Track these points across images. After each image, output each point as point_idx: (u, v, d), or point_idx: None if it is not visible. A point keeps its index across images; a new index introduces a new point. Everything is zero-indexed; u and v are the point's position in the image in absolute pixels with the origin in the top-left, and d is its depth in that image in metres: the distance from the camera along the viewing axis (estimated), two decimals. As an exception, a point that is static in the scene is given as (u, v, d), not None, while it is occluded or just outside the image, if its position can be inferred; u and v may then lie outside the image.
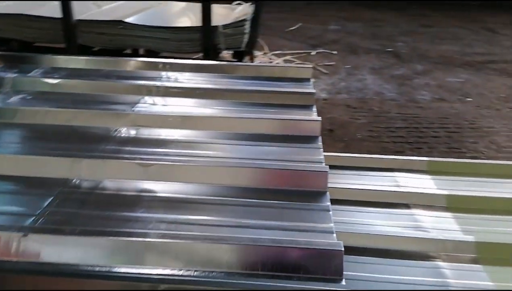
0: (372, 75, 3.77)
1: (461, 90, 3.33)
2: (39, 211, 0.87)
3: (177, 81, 1.62)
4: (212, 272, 0.70)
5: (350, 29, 5.54)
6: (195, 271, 0.70)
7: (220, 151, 1.16)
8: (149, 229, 0.82)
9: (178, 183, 0.97)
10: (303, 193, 0.93)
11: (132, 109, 1.37)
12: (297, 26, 5.65)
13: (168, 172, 0.98)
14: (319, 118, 1.23)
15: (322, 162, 1.06)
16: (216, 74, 1.70)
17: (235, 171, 0.98)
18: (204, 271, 0.70)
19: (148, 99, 1.45)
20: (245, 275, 0.70)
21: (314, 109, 1.38)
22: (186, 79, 1.63)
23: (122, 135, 1.21)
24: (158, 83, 1.55)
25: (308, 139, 1.17)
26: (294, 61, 4.14)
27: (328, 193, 0.93)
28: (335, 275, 0.69)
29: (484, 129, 2.60)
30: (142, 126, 1.24)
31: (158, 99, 1.44)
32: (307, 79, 1.63)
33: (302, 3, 7.42)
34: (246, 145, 1.16)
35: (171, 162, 1.02)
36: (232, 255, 0.71)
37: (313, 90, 1.50)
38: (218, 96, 1.48)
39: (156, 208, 0.90)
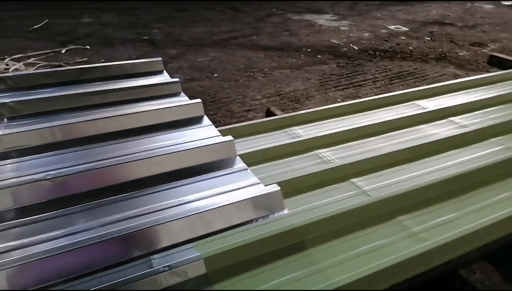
0: (127, 66, 3.70)
1: (209, 68, 3.63)
2: None
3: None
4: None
5: (105, 20, 5.29)
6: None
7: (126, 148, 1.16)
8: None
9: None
10: (219, 163, 1.08)
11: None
12: (43, 23, 5.03)
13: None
14: (199, 100, 1.33)
15: (220, 135, 1.18)
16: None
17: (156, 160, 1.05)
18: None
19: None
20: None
21: (183, 95, 1.51)
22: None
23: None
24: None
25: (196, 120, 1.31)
26: (39, 64, 3.67)
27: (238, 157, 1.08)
28: (280, 209, 0.89)
29: (223, 100, 2.92)
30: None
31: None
32: (161, 71, 1.67)
33: (48, -4, 6.65)
34: (148, 138, 1.21)
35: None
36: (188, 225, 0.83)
37: (176, 79, 1.56)
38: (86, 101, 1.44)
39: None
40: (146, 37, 4.56)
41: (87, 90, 1.49)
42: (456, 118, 1.84)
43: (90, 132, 1.22)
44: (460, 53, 3.98)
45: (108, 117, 1.26)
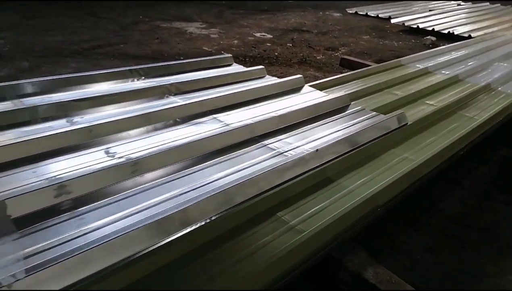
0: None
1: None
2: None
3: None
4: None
5: None
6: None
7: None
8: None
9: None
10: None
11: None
12: None
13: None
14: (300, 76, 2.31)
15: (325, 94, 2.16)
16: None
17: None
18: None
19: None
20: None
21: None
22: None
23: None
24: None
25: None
26: None
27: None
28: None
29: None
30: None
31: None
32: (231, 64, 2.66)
33: None
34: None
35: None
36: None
37: (261, 67, 2.57)
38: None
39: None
40: (-12, 48, 3.90)
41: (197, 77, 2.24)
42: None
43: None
44: (318, 57, 4.43)
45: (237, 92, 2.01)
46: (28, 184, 1.17)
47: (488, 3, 7.82)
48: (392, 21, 6.16)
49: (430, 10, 6.98)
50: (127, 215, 1.09)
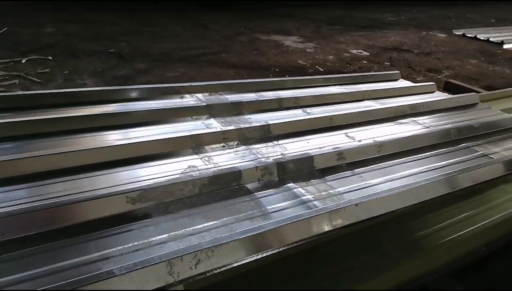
0: (93, 78, 3.62)
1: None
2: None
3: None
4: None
5: (69, 31, 5.15)
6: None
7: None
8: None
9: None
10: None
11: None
12: (1, 30, 4.82)
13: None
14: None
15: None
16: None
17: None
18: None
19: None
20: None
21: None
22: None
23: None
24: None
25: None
26: (-3, 73, 3.50)
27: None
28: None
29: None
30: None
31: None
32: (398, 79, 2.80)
33: (8, 3, 6.40)
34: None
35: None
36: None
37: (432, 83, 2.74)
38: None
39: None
40: (113, 50, 4.48)
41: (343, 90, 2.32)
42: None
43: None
44: (417, 78, 4.24)
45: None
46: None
47: None
48: (505, 46, 5.64)
49: (554, 36, 6.22)
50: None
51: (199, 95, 1.95)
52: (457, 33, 6.85)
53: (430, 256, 1.21)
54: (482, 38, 6.39)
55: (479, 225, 1.34)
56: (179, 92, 1.95)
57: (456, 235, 1.29)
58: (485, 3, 11.21)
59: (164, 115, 1.64)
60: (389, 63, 4.77)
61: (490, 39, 6.26)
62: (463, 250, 1.28)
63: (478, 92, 2.80)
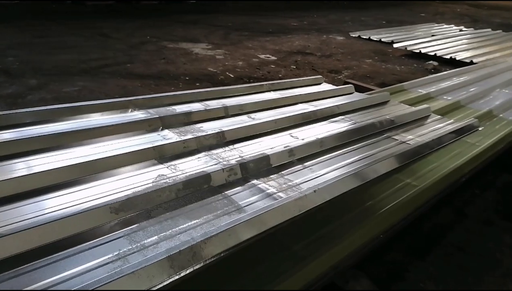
0: (-27, 99, 3.16)
1: (77, 98, 3.34)
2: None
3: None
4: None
5: None
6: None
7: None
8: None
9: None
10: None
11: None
12: None
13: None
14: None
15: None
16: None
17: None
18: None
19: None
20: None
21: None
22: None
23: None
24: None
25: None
26: None
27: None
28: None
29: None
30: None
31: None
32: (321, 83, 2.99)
33: None
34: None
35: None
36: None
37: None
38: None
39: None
40: (-2, 66, 3.98)
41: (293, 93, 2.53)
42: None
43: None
44: (322, 80, 4.49)
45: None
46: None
47: (490, 30, 7.94)
48: (395, 45, 6.26)
49: (432, 36, 7.10)
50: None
51: (148, 108, 1.98)
52: (353, 35, 7.44)
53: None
54: (375, 39, 7.03)
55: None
56: (126, 106, 1.97)
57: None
58: (373, 6, 12.39)
59: (119, 130, 1.67)
60: (295, 67, 4.98)
61: (382, 39, 6.91)
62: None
63: (373, 89, 3.04)
